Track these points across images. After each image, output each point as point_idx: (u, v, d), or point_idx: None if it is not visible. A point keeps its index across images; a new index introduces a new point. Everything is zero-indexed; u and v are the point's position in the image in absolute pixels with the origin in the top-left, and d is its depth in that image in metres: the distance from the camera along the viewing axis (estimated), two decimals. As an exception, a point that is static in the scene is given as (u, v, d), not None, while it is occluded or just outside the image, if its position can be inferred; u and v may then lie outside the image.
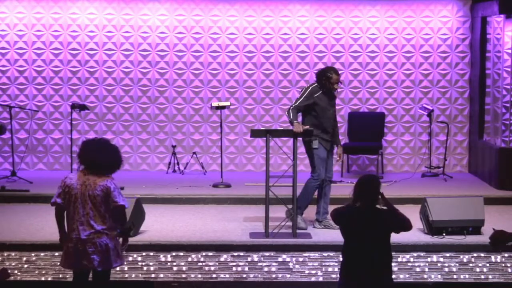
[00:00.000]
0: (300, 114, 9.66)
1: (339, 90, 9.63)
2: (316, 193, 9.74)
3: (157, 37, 13.04)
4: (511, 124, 11.96)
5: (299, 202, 9.51)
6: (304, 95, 9.58)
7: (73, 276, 6.73)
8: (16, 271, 8.73)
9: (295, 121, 9.36)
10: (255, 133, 9.61)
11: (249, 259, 8.93)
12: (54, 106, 13.05)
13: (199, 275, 8.74)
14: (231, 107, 12.91)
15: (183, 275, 8.74)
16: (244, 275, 8.77)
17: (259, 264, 8.89)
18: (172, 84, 13.10)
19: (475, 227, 9.39)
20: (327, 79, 9.51)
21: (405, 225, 6.34)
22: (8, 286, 7.98)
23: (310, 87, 9.65)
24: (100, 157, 6.62)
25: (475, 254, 8.98)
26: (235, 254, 8.97)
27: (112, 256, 6.59)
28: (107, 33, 13.00)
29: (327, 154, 9.65)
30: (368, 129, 12.78)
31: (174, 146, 12.92)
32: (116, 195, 6.59)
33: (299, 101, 9.55)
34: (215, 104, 12.16)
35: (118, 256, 6.65)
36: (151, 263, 8.86)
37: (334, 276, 8.59)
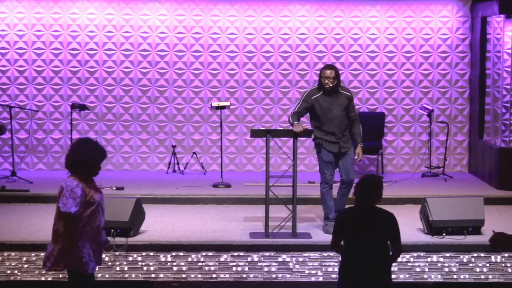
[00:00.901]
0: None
1: (326, 86, 9.38)
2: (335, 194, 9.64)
3: (157, 37, 13.04)
4: (511, 124, 11.96)
5: (323, 211, 9.59)
6: (302, 99, 9.53)
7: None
8: (16, 271, 8.74)
9: (295, 122, 9.34)
10: (255, 133, 9.60)
11: (249, 259, 8.93)
12: (54, 106, 13.05)
13: (199, 275, 8.74)
14: (231, 107, 12.91)
15: (183, 275, 8.74)
16: (244, 275, 8.77)
17: (259, 264, 8.89)
18: (172, 84, 13.10)
19: (475, 227, 9.38)
20: (319, 75, 9.49)
21: (399, 242, 6.33)
22: (8, 286, 7.97)
23: (308, 90, 9.61)
24: (68, 153, 6.62)
25: (475, 254, 8.98)
26: (235, 254, 8.97)
27: (48, 259, 6.44)
28: (107, 33, 13.00)
29: (336, 157, 9.47)
30: (368, 129, 12.74)
31: (174, 146, 12.92)
32: (62, 195, 6.37)
33: (297, 106, 9.53)
34: (215, 104, 12.16)
35: (51, 261, 6.40)
36: (151, 263, 8.86)
37: (334, 276, 8.58)
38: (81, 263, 6.38)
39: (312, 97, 9.42)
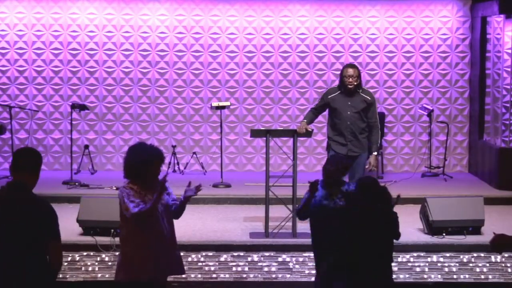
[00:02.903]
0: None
1: (350, 85, 9.24)
2: None
3: (157, 37, 13.04)
4: (511, 124, 11.96)
5: None
6: (321, 96, 9.56)
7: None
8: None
9: (303, 120, 9.35)
10: (255, 133, 9.61)
11: (249, 259, 8.93)
12: (54, 106, 13.05)
13: (199, 275, 8.74)
14: (231, 107, 12.91)
15: (183, 275, 8.73)
16: (244, 275, 8.77)
17: (259, 264, 8.89)
18: (172, 84, 13.10)
19: (475, 227, 9.38)
20: (340, 74, 9.38)
21: (398, 235, 6.44)
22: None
23: (329, 88, 9.63)
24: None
25: (475, 254, 8.98)
26: (235, 254, 8.97)
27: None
28: (107, 33, 13.00)
29: None
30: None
31: (174, 146, 12.92)
32: (120, 204, 6.25)
33: (317, 103, 9.57)
34: (215, 104, 12.16)
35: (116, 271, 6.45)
36: (151, 263, 8.84)
37: (334, 276, 8.58)
38: (137, 270, 6.25)
39: (329, 96, 9.36)
